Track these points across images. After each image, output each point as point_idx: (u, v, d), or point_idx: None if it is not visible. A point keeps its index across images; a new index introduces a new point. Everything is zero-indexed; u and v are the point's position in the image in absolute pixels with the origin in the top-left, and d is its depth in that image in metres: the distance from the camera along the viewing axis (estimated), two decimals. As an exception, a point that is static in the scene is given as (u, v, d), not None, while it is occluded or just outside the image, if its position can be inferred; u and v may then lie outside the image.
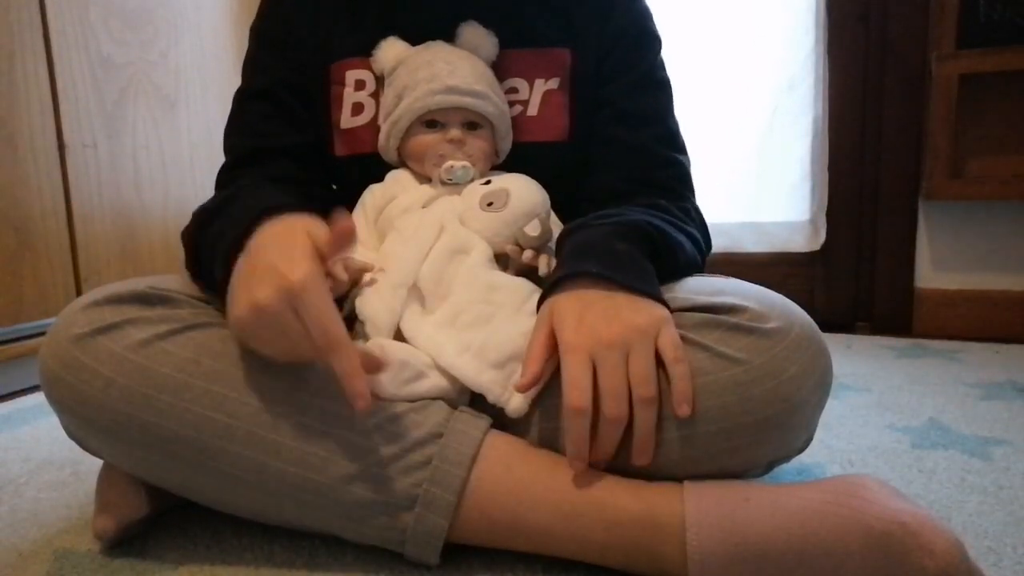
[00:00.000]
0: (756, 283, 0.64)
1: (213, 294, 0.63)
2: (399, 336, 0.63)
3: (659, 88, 0.78)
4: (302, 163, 0.76)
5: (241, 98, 0.78)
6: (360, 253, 0.70)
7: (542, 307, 0.60)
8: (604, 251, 0.60)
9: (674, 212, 0.69)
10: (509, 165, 0.75)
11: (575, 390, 0.53)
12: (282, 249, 0.53)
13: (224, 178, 0.76)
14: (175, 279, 0.66)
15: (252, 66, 0.79)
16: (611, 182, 0.74)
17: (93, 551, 0.65)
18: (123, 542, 0.65)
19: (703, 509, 0.53)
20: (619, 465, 0.57)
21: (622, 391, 0.53)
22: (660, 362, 0.55)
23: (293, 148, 0.76)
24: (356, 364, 0.52)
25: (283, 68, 0.76)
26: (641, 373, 0.53)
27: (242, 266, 0.55)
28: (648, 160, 0.74)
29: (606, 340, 0.54)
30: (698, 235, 0.70)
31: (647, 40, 0.78)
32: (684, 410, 0.54)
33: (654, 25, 0.79)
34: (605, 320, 0.55)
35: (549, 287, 0.61)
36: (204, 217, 0.65)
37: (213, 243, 0.61)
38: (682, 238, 0.66)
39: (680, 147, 0.77)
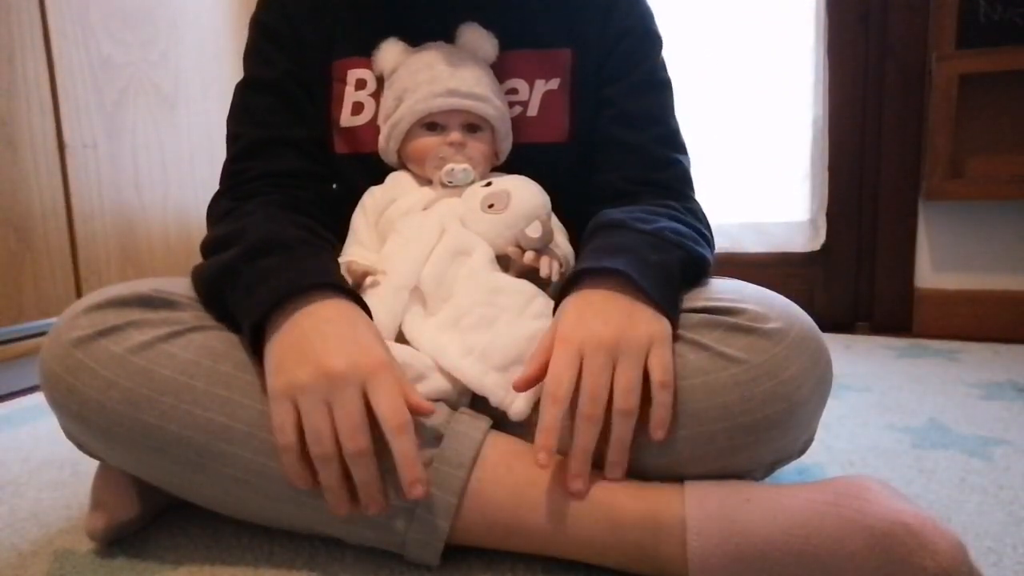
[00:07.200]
0: (756, 283, 0.64)
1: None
2: (401, 338, 0.63)
3: (660, 88, 0.77)
4: (308, 157, 0.75)
5: (245, 88, 0.76)
6: (361, 255, 0.70)
7: (561, 303, 0.60)
8: (638, 259, 0.59)
9: (683, 213, 0.69)
10: (509, 166, 0.75)
11: (554, 379, 0.54)
12: (353, 329, 0.56)
13: (231, 170, 0.74)
14: (178, 282, 0.65)
15: (255, 57, 0.76)
16: (614, 182, 0.73)
17: (93, 551, 0.65)
18: (123, 542, 0.65)
19: (704, 510, 0.53)
20: (601, 465, 0.57)
21: (601, 393, 0.53)
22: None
23: (300, 141, 0.74)
24: (416, 450, 0.52)
25: (287, 60, 0.75)
26: (623, 384, 0.54)
27: (298, 337, 0.55)
28: (650, 161, 0.74)
29: (596, 340, 0.54)
30: (709, 236, 0.70)
31: (649, 40, 0.77)
32: (659, 435, 0.55)
33: (655, 25, 0.78)
34: (603, 321, 0.55)
35: (570, 279, 0.61)
36: (228, 267, 0.60)
37: (247, 303, 0.58)
38: (703, 250, 0.65)
39: (680, 147, 0.77)
